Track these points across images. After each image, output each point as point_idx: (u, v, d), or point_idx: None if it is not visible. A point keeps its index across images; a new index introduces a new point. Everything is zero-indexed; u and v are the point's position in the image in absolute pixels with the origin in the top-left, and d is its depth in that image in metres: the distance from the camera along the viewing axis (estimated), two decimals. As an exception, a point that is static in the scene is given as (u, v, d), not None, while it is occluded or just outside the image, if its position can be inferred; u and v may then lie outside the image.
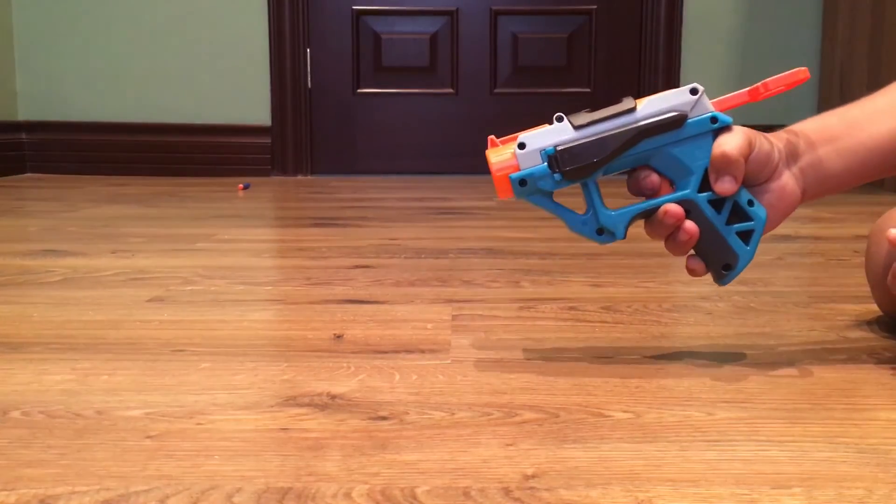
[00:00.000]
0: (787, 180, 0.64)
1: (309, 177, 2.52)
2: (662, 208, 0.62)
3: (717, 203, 0.63)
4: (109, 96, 2.50)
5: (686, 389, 0.61)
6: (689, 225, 0.62)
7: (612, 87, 2.53)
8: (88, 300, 0.90)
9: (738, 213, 0.63)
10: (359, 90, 2.54)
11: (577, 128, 0.63)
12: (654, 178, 0.63)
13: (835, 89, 2.29)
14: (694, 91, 0.63)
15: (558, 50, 2.54)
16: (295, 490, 0.45)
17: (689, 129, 0.63)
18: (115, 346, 0.73)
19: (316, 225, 1.50)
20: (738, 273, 0.64)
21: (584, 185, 0.64)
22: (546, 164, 0.62)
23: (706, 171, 0.63)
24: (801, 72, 0.63)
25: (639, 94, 2.51)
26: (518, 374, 0.65)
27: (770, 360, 0.69)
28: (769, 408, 0.58)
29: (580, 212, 0.65)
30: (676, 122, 0.62)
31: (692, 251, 0.64)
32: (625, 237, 0.64)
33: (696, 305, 0.88)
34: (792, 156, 0.64)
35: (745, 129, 0.63)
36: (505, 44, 2.53)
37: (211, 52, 2.48)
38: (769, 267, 1.08)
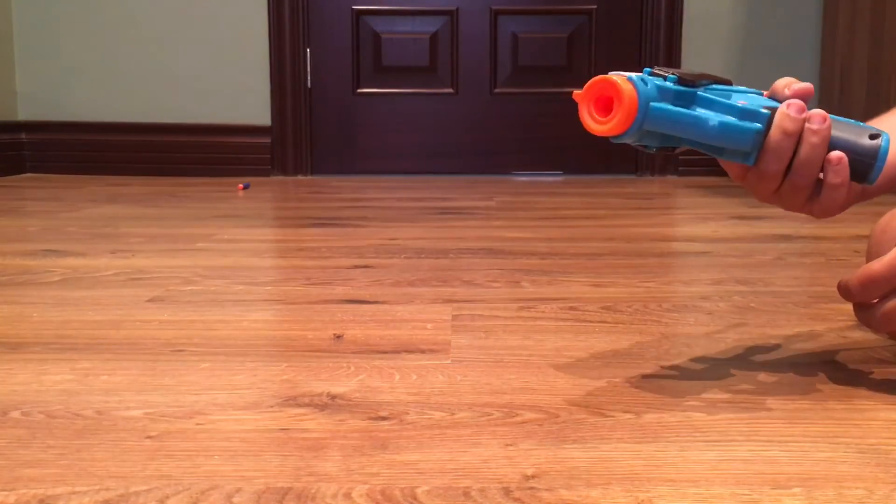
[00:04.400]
0: None
1: (309, 177, 2.52)
2: (785, 102, 0.57)
3: None
4: (109, 96, 2.50)
5: (686, 389, 0.61)
6: (817, 111, 0.57)
7: (612, 87, 2.52)
8: (88, 300, 0.90)
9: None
10: (359, 90, 2.54)
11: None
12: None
13: (835, 89, 2.29)
14: None
15: (558, 50, 2.54)
16: (295, 490, 0.45)
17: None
18: (115, 346, 0.73)
19: (316, 225, 1.50)
20: (888, 143, 0.57)
21: (697, 99, 0.56)
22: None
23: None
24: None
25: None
26: (518, 374, 0.65)
27: (770, 360, 0.69)
28: (769, 408, 0.58)
29: None
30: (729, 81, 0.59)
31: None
32: (769, 115, 0.57)
33: (696, 305, 0.88)
34: None
35: None
36: (505, 44, 2.53)
37: (211, 51, 2.48)
38: (769, 267, 1.08)
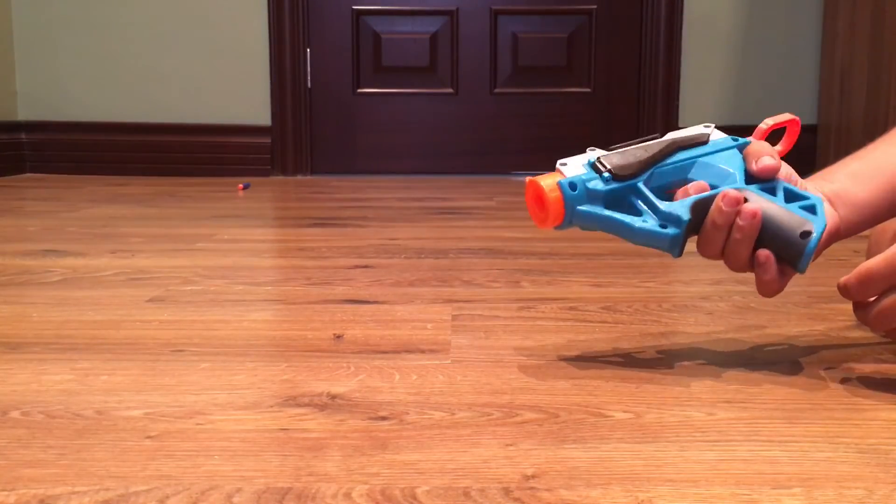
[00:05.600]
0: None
1: (309, 177, 2.52)
2: (720, 193, 0.60)
3: (769, 191, 0.63)
4: (109, 96, 2.50)
5: (686, 389, 0.61)
6: (750, 206, 0.59)
7: (612, 87, 2.53)
8: (88, 300, 0.90)
9: (793, 196, 0.63)
10: (359, 90, 2.54)
11: (610, 149, 0.64)
12: (701, 182, 0.63)
13: (835, 89, 2.29)
14: (707, 126, 0.67)
15: (558, 50, 2.54)
16: (295, 490, 0.45)
17: (715, 144, 0.66)
18: (115, 346, 0.73)
19: (316, 225, 1.50)
20: (818, 238, 0.60)
21: (634, 190, 0.62)
22: (591, 170, 0.63)
23: (745, 174, 0.64)
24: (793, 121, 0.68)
25: (639, 93, 2.51)
26: (518, 374, 0.65)
27: (770, 360, 0.69)
28: (769, 408, 0.58)
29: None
30: (702, 139, 0.66)
31: (758, 252, 0.60)
32: (689, 220, 0.60)
33: (696, 305, 0.88)
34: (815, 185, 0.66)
35: None
36: (505, 44, 2.53)
37: (211, 52, 2.48)
38: (769, 267, 1.08)
